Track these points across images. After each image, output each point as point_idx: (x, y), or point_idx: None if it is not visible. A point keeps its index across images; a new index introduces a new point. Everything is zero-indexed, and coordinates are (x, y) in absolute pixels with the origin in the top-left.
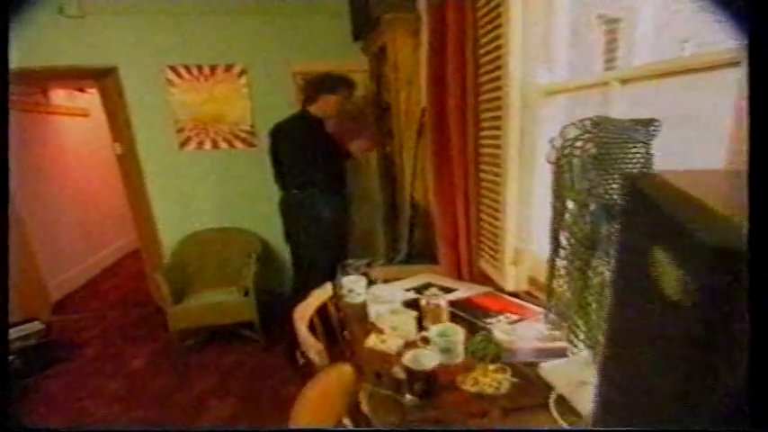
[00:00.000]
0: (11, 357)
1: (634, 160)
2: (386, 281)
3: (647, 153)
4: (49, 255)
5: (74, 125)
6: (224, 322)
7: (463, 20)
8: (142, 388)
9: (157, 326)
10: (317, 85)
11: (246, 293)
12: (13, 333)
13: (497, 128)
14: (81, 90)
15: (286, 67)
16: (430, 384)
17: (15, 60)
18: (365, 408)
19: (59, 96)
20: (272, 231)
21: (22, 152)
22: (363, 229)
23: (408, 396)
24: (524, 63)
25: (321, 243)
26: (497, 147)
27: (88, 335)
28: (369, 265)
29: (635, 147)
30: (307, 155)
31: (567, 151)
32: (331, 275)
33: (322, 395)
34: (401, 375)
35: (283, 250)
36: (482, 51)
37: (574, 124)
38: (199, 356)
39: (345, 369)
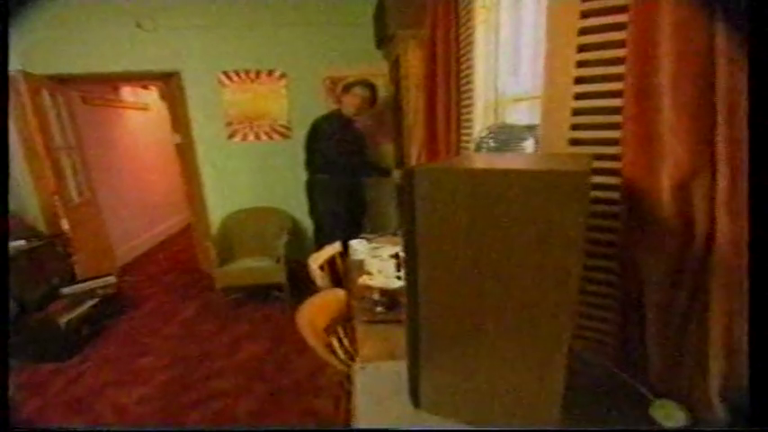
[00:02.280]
0: (95, 301)
1: (521, 152)
2: None
3: (535, 147)
4: (117, 228)
5: (137, 117)
6: (258, 283)
7: (447, 41)
8: (192, 331)
9: (203, 287)
10: (342, 89)
11: (278, 261)
12: (95, 284)
13: (470, 127)
14: (144, 87)
15: (318, 72)
16: (393, 300)
17: (99, 65)
18: (352, 313)
19: (126, 93)
20: (300, 210)
21: (97, 141)
22: (379, 210)
23: (379, 307)
24: (486, 79)
25: (339, 220)
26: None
27: (148, 292)
28: (375, 237)
29: (523, 143)
30: (336, 146)
31: (479, 145)
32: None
33: (323, 303)
34: (377, 296)
35: (309, 226)
36: (463, 66)
37: (486, 128)
38: (237, 310)
39: (341, 291)
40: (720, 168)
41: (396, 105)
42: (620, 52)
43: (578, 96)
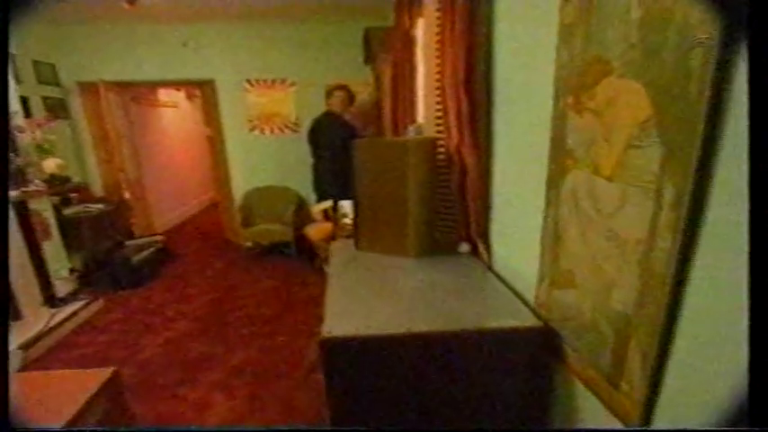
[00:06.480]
0: (151, 250)
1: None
2: None
3: None
4: (156, 203)
5: (168, 113)
6: (272, 241)
7: (404, 67)
8: (224, 274)
9: (228, 249)
10: (328, 92)
11: (286, 225)
12: (149, 240)
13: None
14: (176, 89)
15: (320, 81)
16: None
17: (153, 74)
18: (336, 234)
19: (162, 93)
20: (304, 187)
21: (142, 134)
22: None
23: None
24: (426, 91)
25: (335, 189)
26: None
27: (186, 251)
28: None
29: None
30: (329, 135)
31: (407, 135)
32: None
33: (319, 227)
34: (349, 224)
35: (310, 199)
36: (414, 82)
37: (411, 126)
38: (256, 261)
39: (329, 223)
40: (464, 137)
41: (378, 106)
42: None
43: (438, 104)
